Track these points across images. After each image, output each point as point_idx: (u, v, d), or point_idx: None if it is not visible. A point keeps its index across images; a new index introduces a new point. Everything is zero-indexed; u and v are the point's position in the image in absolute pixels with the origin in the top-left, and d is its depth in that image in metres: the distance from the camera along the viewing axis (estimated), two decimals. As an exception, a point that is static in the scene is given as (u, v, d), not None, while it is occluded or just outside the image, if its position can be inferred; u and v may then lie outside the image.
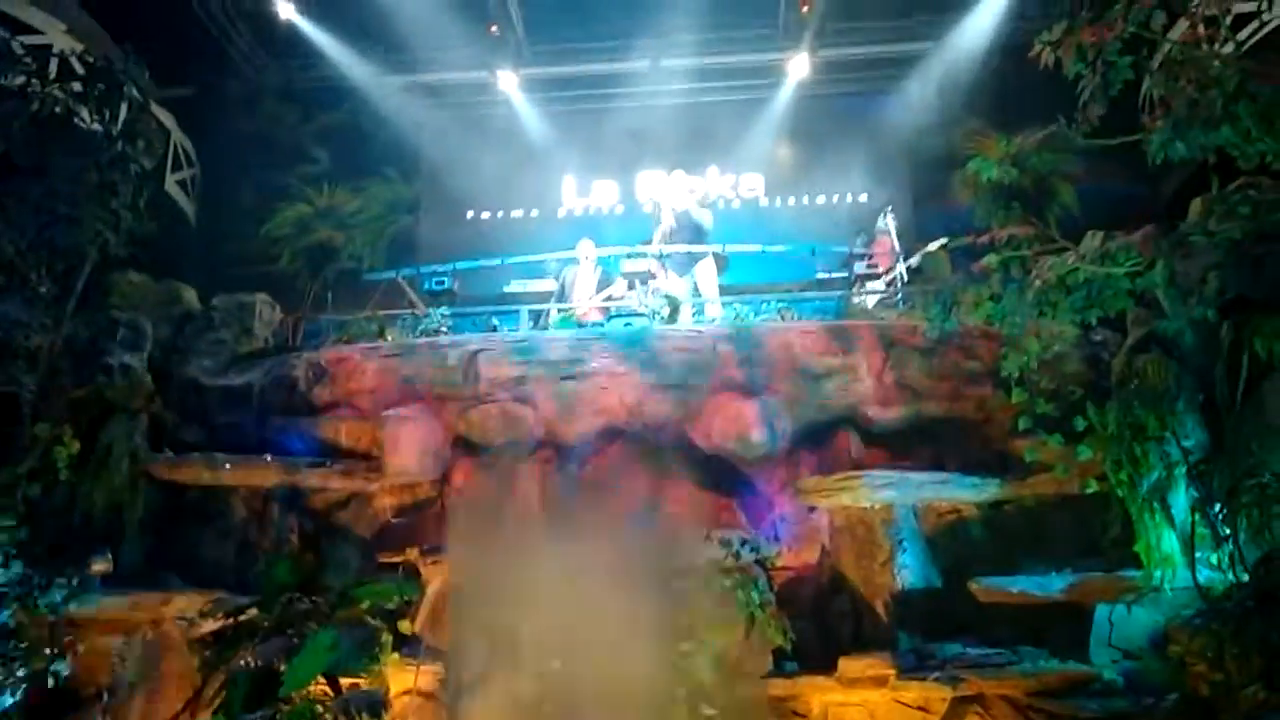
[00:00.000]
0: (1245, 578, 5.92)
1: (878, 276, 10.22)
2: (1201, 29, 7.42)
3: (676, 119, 12.99)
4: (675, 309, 9.43)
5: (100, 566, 6.99)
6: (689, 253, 10.52)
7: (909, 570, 7.20)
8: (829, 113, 12.65)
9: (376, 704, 5.31)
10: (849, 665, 6.62)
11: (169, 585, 7.13)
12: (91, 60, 8.63)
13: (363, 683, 5.80)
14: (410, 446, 7.79)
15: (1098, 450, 6.67)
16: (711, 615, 6.70)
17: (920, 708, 6.57)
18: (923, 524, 7.45)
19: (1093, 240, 7.84)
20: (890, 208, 11.06)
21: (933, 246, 9.71)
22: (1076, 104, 7.27)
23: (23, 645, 6.58)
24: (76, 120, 8.32)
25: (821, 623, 7.30)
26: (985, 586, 6.79)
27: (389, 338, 9.19)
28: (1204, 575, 6.22)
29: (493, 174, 12.97)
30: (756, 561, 7.21)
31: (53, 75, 8.58)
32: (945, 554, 7.31)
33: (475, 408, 8.07)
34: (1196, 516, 6.33)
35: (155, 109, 10.19)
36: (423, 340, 9.02)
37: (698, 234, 10.71)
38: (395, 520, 7.79)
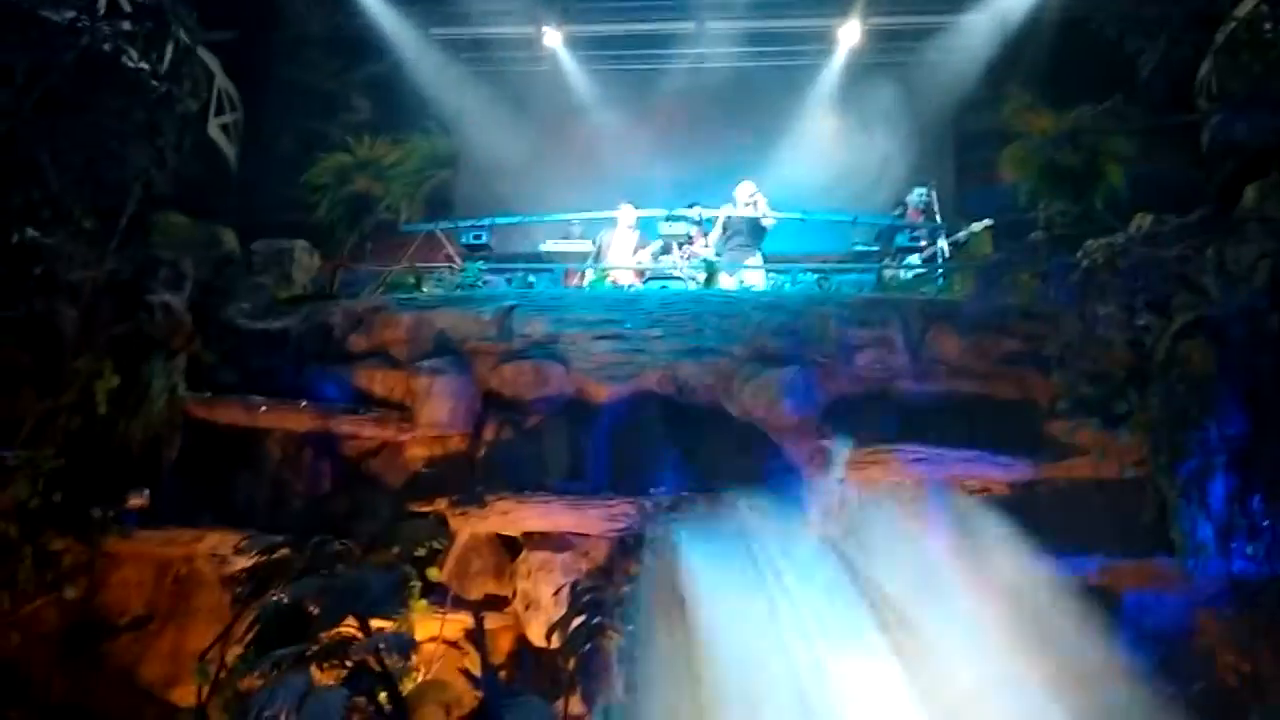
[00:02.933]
0: (1281, 570, 5.87)
1: (918, 249, 10.10)
2: (1265, 8, 7.22)
3: (721, 83, 12.87)
4: (712, 274, 9.40)
5: (136, 501, 7.07)
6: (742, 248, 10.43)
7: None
8: (875, 83, 12.43)
9: (407, 646, 5.38)
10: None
11: (202, 522, 7.21)
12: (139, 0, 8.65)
13: (389, 626, 5.85)
14: (442, 399, 7.81)
15: (1137, 435, 6.60)
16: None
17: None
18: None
19: (1142, 221, 7.73)
20: (933, 182, 10.91)
21: (977, 227, 9.58)
22: (1129, 81, 7.11)
23: (61, 573, 6.72)
24: (124, 59, 8.35)
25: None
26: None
27: (425, 289, 9.21)
28: (1238, 566, 6.16)
29: (533, 131, 12.92)
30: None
31: (101, 13, 8.58)
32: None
33: (508, 363, 8.07)
34: (1234, 506, 6.26)
35: (200, 52, 10.20)
36: (458, 293, 9.04)
37: (755, 234, 10.61)
38: (425, 470, 7.82)
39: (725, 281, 9.58)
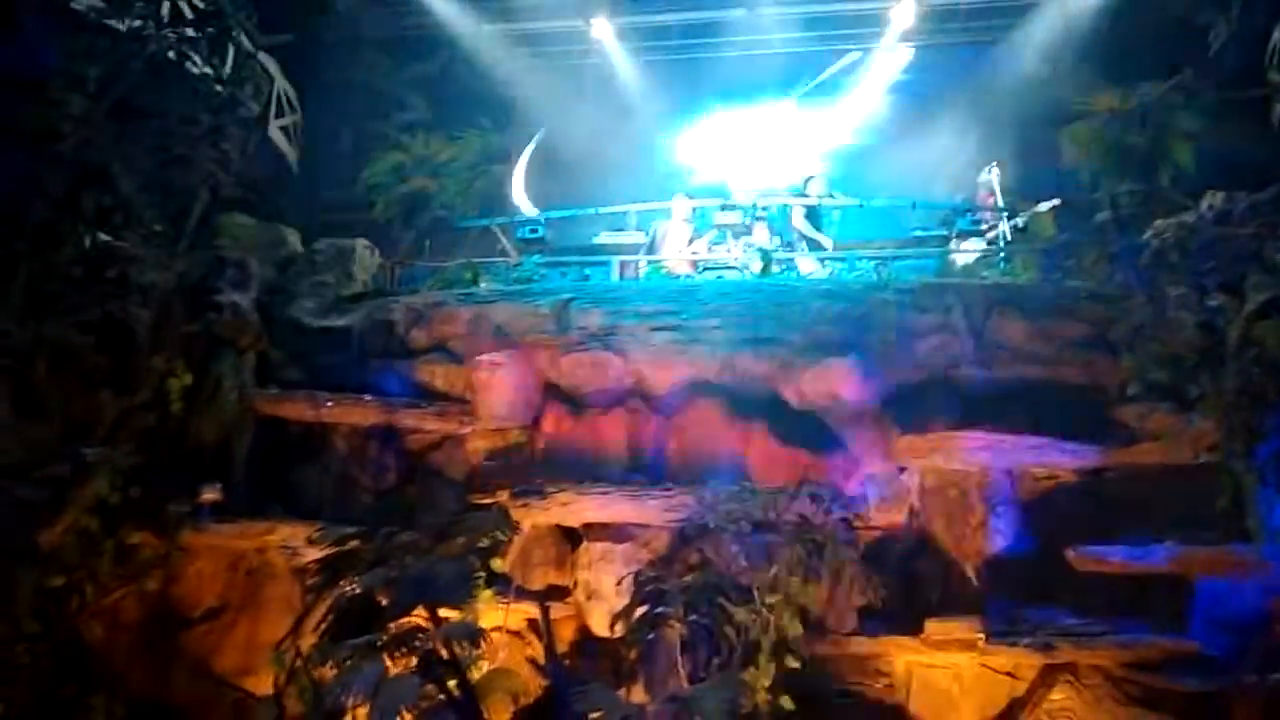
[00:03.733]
0: (1363, 557, 5.68)
1: (981, 233, 9.92)
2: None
3: (776, 69, 12.77)
4: (768, 263, 9.36)
5: (210, 495, 7.28)
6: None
7: (1002, 535, 7.08)
8: (932, 64, 12.25)
9: (475, 635, 5.48)
10: (936, 627, 6.56)
11: (273, 515, 7.41)
12: (202, 6, 8.85)
13: (456, 616, 5.95)
14: (502, 392, 7.90)
15: (1210, 419, 6.43)
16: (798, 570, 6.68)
17: (1008, 673, 6.52)
18: (1018, 488, 7.28)
19: (1213, 200, 7.51)
20: (994, 163, 10.69)
21: (1043, 207, 9.37)
22: (1197, 55, 6.91)
23: (139, 565, 6.95)
24: (188, 66, 8.56)
25: (907, 584, 7.20)
26: (1083, 554, 6.62)
27: (483, 284, 9.31)
28: (1318, 552, 5.99)
29: (586, 124, 12.95)
30: (844, 519, 7.15)
31: (165, 21, 8.79)
32: (1041, 520, 7.14)
33: (566, 355, 8.14)
34: (1314, 491, 6.09)
35: (260, 56, 10.42)
36: (515, 287, 9.12)
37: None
38: (487, 462, 7.91)
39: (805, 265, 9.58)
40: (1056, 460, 7.16)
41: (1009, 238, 9.54)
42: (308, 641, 6.13)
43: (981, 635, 6.42)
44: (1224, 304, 7.32)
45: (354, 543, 6.10)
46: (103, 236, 7.29)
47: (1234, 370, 6.43)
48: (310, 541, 6.61)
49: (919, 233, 10.63)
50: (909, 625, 6.74)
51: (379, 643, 5.40)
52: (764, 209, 10.27)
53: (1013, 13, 12.28)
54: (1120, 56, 10.92)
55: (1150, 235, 6.80)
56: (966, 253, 9.68)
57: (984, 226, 9.96)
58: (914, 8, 12.28)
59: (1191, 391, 6.50)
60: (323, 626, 5.80)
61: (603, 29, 13.11)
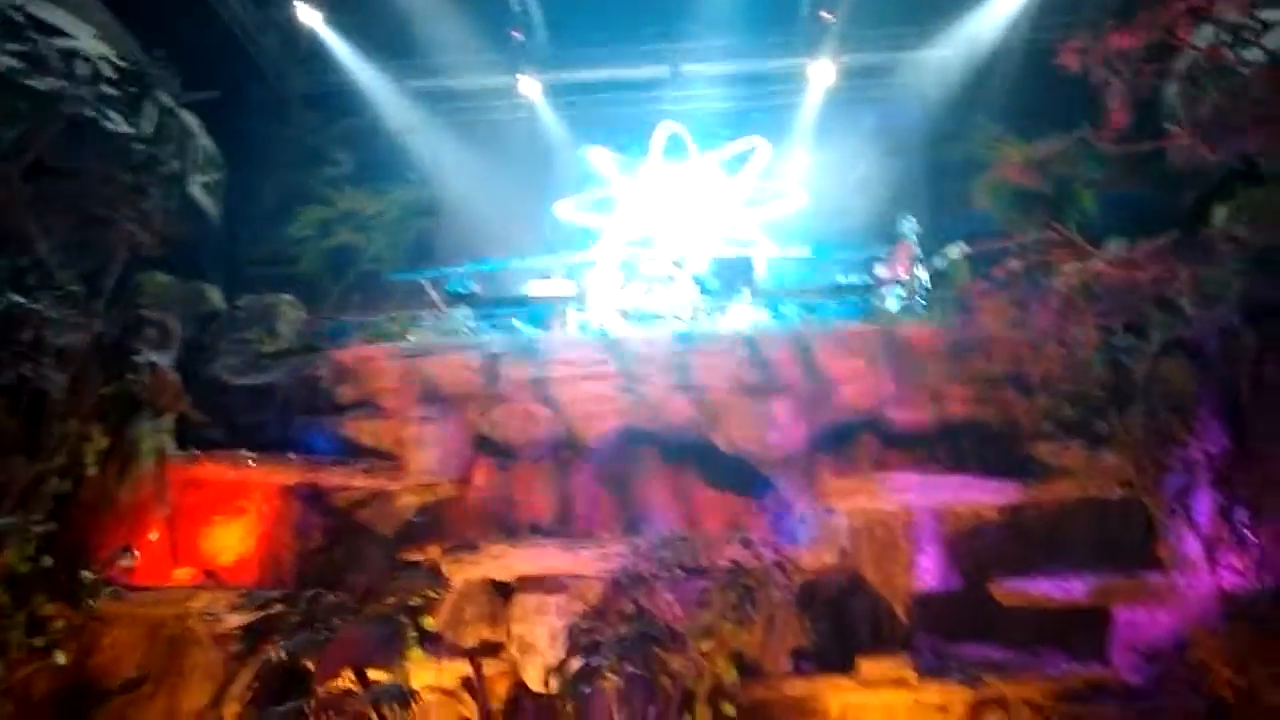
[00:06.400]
0: (1270, 583, 5.92)
1: (899, 281, 10.20)
2: (1225, 36, 7.42)
3: (699, 123, 13.05)
4: (695, 312, 9.48)
5: (126, 562, 7.05)
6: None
7: (929, 572, 7.23)
8: (849, 118, 12.64)
9: (405, 696, 5.36)
10: (869, 666, 6.67)
11: (193, 581, 7.20)
12: (121, 65, 8.75)
13: (386, 677, 5.83)
14: (432, 446, 7.87)
15: (1121, 454, 6.69)
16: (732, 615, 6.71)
17: (940, 708, 6.60)
18: (943, 527, 7.46)
19: (1116, 245, 7.87)
20: (911, 213, 11.04)
21: (953, 252, 9.71)
22: (1097, 109, 7.31)
23: (52, 637, 6.66)
24: (107, 124, 8.42)
25: (840, 624, 7.31)
26: (1007, 589, 6.80)
27: (411, 338, 9.25)
28: (1227, 580, 6.23)
29: (513, 177, 13.04)
30: (776, 562, 7.22)
31: (85, 79, 8.66)
32: (966, 556, 7.33)
33: (497, 408, 8.14)
34: (1220, 521, 6.34)
35: (182, 112, 10.32)
36: (445, 341, 9.08)
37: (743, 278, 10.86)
38: (417, 518, 7.83)
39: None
40: (978, 498, 7.37)
41: (926, 284, 9.83)
42: (231, 711, 5.95)
43: (912, 672, 6.55)
44: (1129, 344, 7.68)
45: (278, 606, 5.98)
46: (16, 298, 7.08)
47: (1141, 408, 6.70)
48: (232, 607, 6.43)
49: (842, 280, 10.87)
50: (842, 665, 6.82)
51: (306, 709, 5.27)
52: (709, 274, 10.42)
53: (922, 69, 12.78)
54: (1024, 110, 11.45)
55: (1058, 279, 7.09)
56: (888, 298, 9.93)
57: (902, 274, 10.23)
58: (831, 66, 12.69)
59: (1101, 428, 6.74)
60: (247, 695, 5.63)
61: (530, 86, 13.27)
